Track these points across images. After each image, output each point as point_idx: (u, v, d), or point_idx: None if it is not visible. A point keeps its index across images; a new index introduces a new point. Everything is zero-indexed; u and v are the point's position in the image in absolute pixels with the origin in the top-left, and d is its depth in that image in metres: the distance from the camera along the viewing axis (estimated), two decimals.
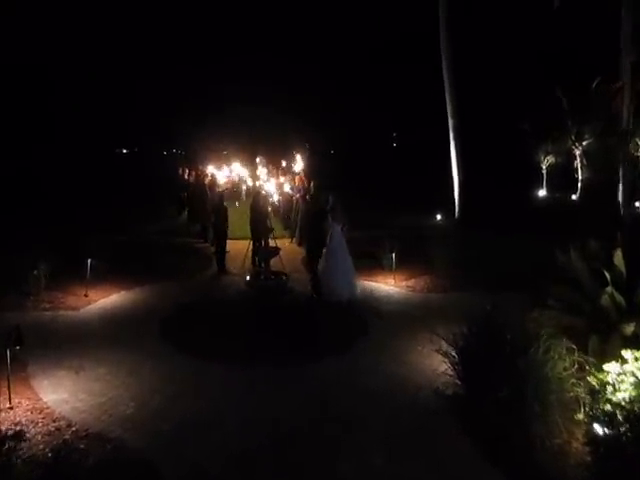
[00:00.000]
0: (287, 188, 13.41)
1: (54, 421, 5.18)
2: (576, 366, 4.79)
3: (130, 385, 5.95)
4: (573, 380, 4.72)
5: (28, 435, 4.91)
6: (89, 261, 9.13)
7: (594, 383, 4.61)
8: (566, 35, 20.22)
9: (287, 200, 15.37)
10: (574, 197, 21.56)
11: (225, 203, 11.80)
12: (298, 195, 13.93)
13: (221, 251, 11.15)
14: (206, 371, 6.38)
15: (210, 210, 11.91)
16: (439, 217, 17.50)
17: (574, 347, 4.91)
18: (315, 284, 8.93)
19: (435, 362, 6.23)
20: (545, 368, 4.69)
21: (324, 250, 8.81)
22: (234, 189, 18.88)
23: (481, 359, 5.05)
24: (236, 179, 19.32)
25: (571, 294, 5.96)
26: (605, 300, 5.53)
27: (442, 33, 16.59)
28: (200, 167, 18.08)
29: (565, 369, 4.74)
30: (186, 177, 17.53)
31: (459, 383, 5.45)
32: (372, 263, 11.14)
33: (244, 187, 18.40)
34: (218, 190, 13.30)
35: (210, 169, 16.84)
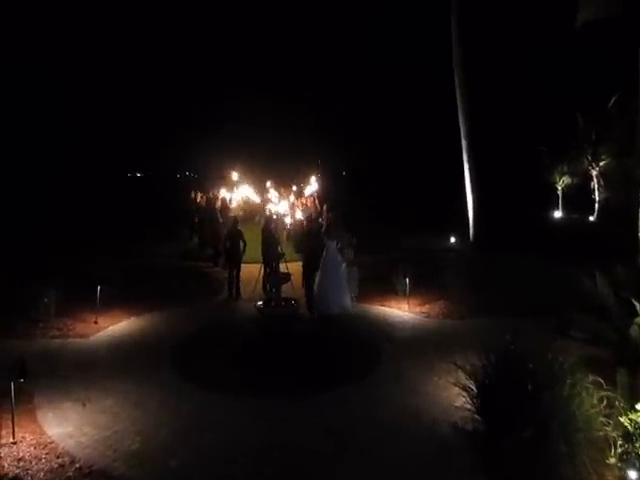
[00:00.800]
0: (299, 214, 13.31)
1: (58, 457, 5.01)
2: (605, 402, 4.51)
3: (137, 418, 5.77)
4: (602, 418, 4.45)
5: (30, 472, 4.75)
6: (99, 287, 9.03)
7: (626, 424, 4.32)
8: (583, 52, 20.04)
9: (299, 224, 15.26)
10: (591, 218, 21.16)
11: (240, 227, 11.65)
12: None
13: (236, 276, 11.04)
14: (214, 402, 6.18)
15: (226, 235, 11.73)
16: (453, 239, 17.23)
17: (601, 381, 4.63)
18: (309, 298, 9.25)
19: (453, 394, 6.00)
20: (571, 404, 4.42)
21: (320, 265, 9.02)
22: (252, 212, 18.41)
23: (502, 393, 4.80)
24: (251, 201, 18.83)
25: (596, 323, 5.69)
26: (634, 331, 5.26)
27: (455, 50, 16.52)
28: (211, 190, 18.06)
29: (593, 406, 4.46)
30: (198, 200, 17.54)
31: (478, 418, 5.18)
32: (385, 287, 10.94)
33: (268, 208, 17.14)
34: (231, 214, 13.20)
35: (222, 192, 16.78)
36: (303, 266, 9.83)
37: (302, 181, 18.20)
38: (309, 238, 9.94)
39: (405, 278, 10.24)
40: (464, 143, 16.82)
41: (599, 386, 4.65)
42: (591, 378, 4.65)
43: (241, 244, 11.06)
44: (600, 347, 5.49)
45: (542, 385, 4.58)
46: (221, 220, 13.74)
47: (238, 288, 11.09)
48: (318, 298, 8.89)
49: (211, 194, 17.14)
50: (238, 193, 15.16)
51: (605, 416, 4.51)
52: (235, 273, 11.05)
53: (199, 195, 17.77)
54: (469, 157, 16.79)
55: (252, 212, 18.05)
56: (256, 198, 16.90)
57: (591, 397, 4.50)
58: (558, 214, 23.46)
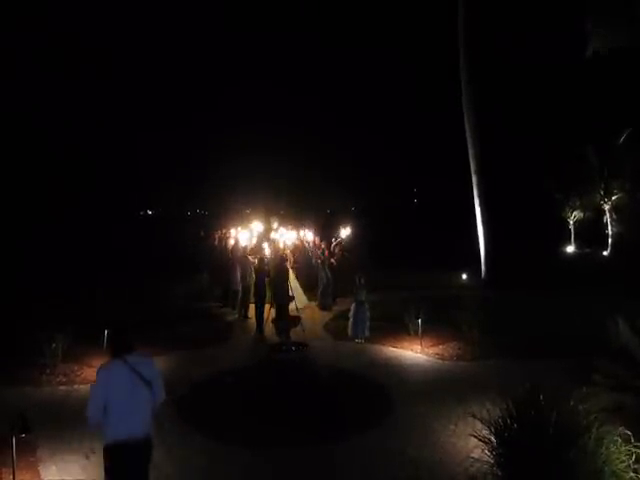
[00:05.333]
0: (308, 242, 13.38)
1: None
2: (633, 457, 4.24)
3: None
4: (632, 474, 4.18)
5: None
6: (106, 331, 8.90)
7: None
8: (592, 88, 20.18)
9: (306, 264, 15.21)
10: (605, 253, 20.87)
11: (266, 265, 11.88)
12: (319, 260, 13.75)
13: (260, 313, 11.19)
14: (221, 453, 5.95)
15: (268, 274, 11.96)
16: (465, 276, 17.00)
17: (629, 433, 4.37)
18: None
19: (470, 444, 5.76)
20: (598, 459, 4.17)
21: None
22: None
23: (524, 447, 4.55)
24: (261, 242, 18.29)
25: (620, 368, 5.44)
26: None
27: (464, 87, 16.68)
28: (222, 229, 18.05)
29: (621, 461, 4.20)
30: (210, 240, 17.49)
31: (498, 472, 4.90)
32: (397, 328, 10.75)
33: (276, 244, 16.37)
34: (255, 257, 13.11)
35: (233, 232, 16.70)
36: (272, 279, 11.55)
37: (309, 220, 18.21)
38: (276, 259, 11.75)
39: (417, 318, 10.06)
40: (475, 179, 16.80)
41: (627, 438, 4.39)
42: (618, 430, 4.40)
43: (266, 280, 11.45)
44: (625, 394, 5.23)
45: (566, 438, 4.33)
46: (231, 260, 13.62)
47: (259, 325, 11.16)
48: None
49: (221, 233, 17.10)
50: (250, 232, 15.02)
51: (635, 471, 4.24)
52: (259, 310, 11.22)
53: (210, 234, 17.73)
54: (480, 193, 16.75)
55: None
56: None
57: (619, 451, 4.24)
58: (570, 248, 23.20)
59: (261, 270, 11.61)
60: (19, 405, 6.51)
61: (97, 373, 4.00)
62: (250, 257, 12.86)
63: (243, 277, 12.59)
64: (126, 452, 3.91)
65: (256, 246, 13.38)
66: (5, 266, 16.16)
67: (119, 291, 14.16)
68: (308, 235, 16.12)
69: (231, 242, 14.74)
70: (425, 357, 9.40)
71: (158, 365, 8.82)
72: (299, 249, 16.03)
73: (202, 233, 17.51)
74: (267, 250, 12.91)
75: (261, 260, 11.80)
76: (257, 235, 14.66)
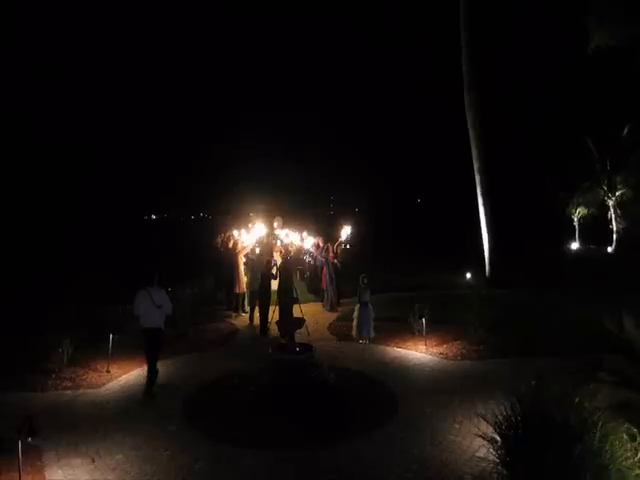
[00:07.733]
0: (310, 247, 13.36)
1: None
2: (639, 454, 4.21)
3: (147, 474, 5.56)
4: (637, 471, 4.15)
5: None
6: (111, 335, 8.93)
7: None
8: (594, 83, 20.09)
9: (309, 265, 15.19)
10: (610, 249, 20.75)
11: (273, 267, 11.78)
12: (323, 260, 13.75)
13: (264, 314, 11.25)
14: (225, 455, 5.94)
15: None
16: (469, 275, 16.95)
17: (635, 431, 4.35)
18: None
19: (475, 443, 5.78)
20: (604, 457, 4.14)
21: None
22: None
23: (529, 445, 4.53)
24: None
25: (626, 365, 5.41)
26: None
27: (466, 85, 16.64)
28: (226, 232, 18.01)
29: (626, 458, 4.18)
30: (214, 243, 17.45)
31: (504, 471, 4.88)
32: (402, 328, 10.76)
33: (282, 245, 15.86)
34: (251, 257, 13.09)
35: (236, 234, 16.67)
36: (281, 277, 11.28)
37: (312, 221, 18.21)
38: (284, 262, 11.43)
39: (421, 318, 10.05)
40: (478, 178, 16.76)
41: (633, 435, 4.37)
42: (624, 427, 4.37)
43: (271, 282, 11.43)
44: (631, 391, 5.20)
45: (571, 435, 4.31)
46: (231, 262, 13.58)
47: (263, 326, 11.18)
48: None
49: (224, 236, 17.06)
50: (252, 234, 14.95)
51: None
52: (263, 312, 11.25)
53: (216, 238, 17.63)
54: (483, 192, 16.70)
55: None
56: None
57: (625, 448, 4.22)
58: (575, 245, 23.09)
59: (267, 271, 11.59)
60: (26, 409, 6.55)
61: (136, 293, 7.80)
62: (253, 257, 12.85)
63: (255, 279, 12.47)
64: (147, 333, 7.80)
65: (254, 247, 13.37)
66: (6, 266, 16.23)
67: (122, 293, 14.20)
68: (312, 236, 16.14)
69: (231, 244, 14.71)
70: (430, 357, 9.39)
71: (165, 368, 9.00)
72: (302, 251, 16.05)
73: (223, 236, 17.28)
74: (257, 250, 12.93)
75: (268, 262, 11.80)
76: (258, 236, 14.60)
